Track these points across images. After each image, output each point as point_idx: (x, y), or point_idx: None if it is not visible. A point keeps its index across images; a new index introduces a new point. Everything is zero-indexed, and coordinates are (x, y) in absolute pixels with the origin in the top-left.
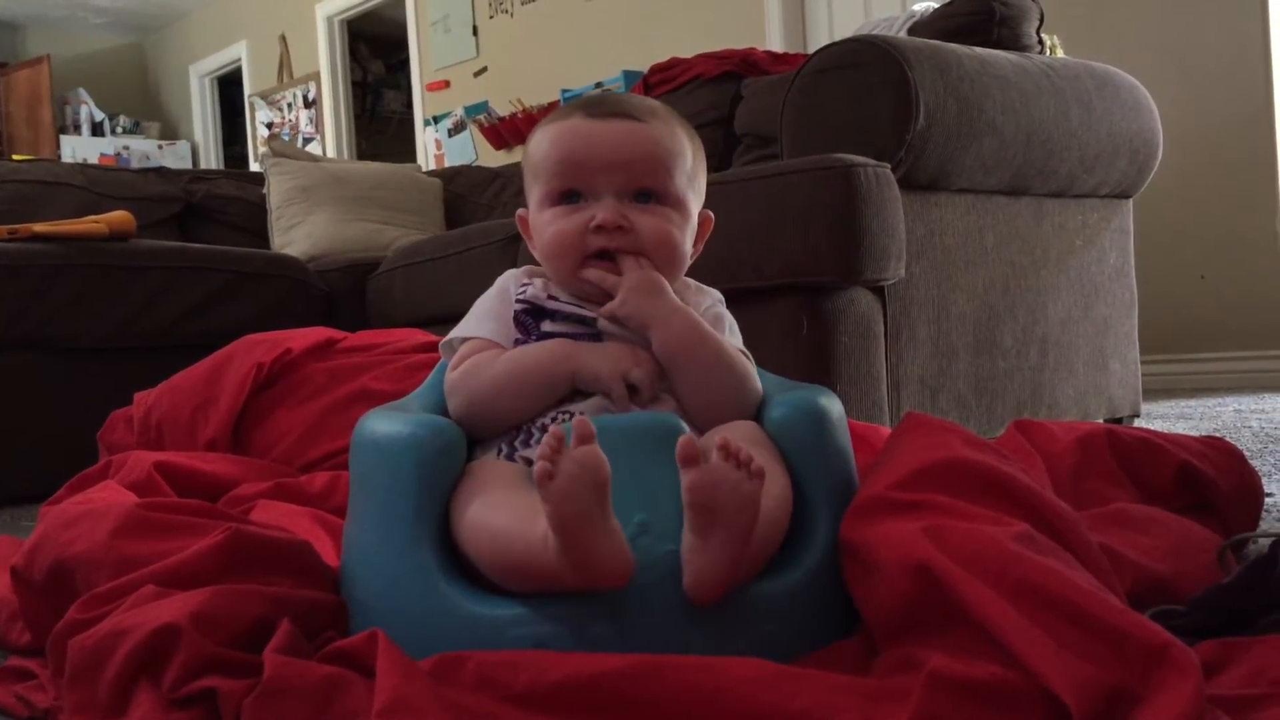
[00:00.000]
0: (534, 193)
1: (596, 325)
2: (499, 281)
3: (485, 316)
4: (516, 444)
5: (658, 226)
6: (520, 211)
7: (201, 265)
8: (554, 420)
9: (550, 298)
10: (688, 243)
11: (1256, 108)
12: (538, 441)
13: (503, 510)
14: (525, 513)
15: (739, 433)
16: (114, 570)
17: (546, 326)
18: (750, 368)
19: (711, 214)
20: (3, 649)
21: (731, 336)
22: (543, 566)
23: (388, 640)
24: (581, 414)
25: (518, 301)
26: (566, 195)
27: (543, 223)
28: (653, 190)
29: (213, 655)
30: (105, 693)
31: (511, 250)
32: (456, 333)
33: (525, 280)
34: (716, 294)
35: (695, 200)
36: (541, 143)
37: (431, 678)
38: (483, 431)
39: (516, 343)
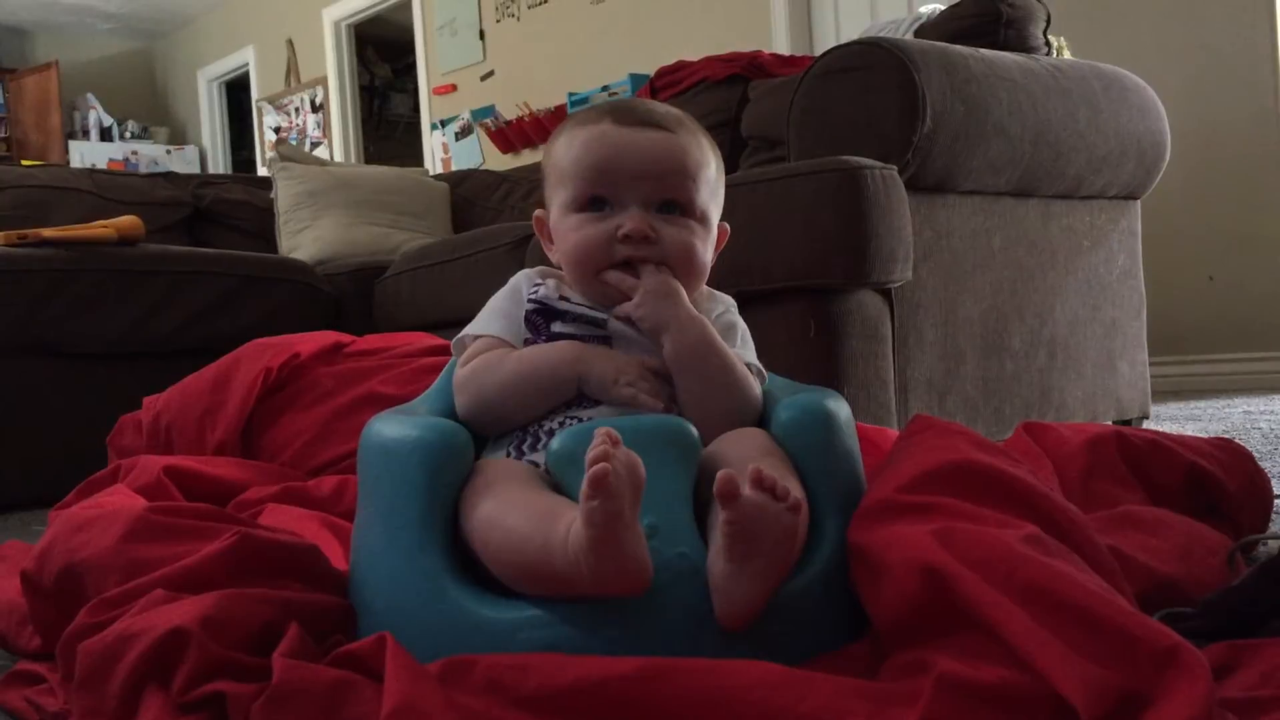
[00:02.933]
0: (558, 196)
1: (607, 327)
2: (512, 281)
3: (496, 315)
4: (524, 448)
5: (681, 238)
6: (538, 213)
7: (210, 269)
8: (560, 425)
9: (562, 298)
10: (708, 254)
11: (1265, 108)
12: (544, 446)
13: (518, 509)
14: (541, 513)
15: (751, 444)
16: (123, 574)
17: (557, 327)
18: (754, 384)
19: (728, 226)
20: (12, 653)
21: (743, 346)
22: (559, 568)
23: (396, 644)
24: (590, 419)
25: (529, 301)
26: (593, 202)
27: (567, 228)
28: (678, 202)
29: (222, 659)
30: (114, 697)
31: (519, 253)
32: (468, 330)
33: (538, 280)
34: (729, 300)
35: (716, 212)
36: (570, 147)
37: (440, 681)
38: (489, 430)
39: (527, 342)
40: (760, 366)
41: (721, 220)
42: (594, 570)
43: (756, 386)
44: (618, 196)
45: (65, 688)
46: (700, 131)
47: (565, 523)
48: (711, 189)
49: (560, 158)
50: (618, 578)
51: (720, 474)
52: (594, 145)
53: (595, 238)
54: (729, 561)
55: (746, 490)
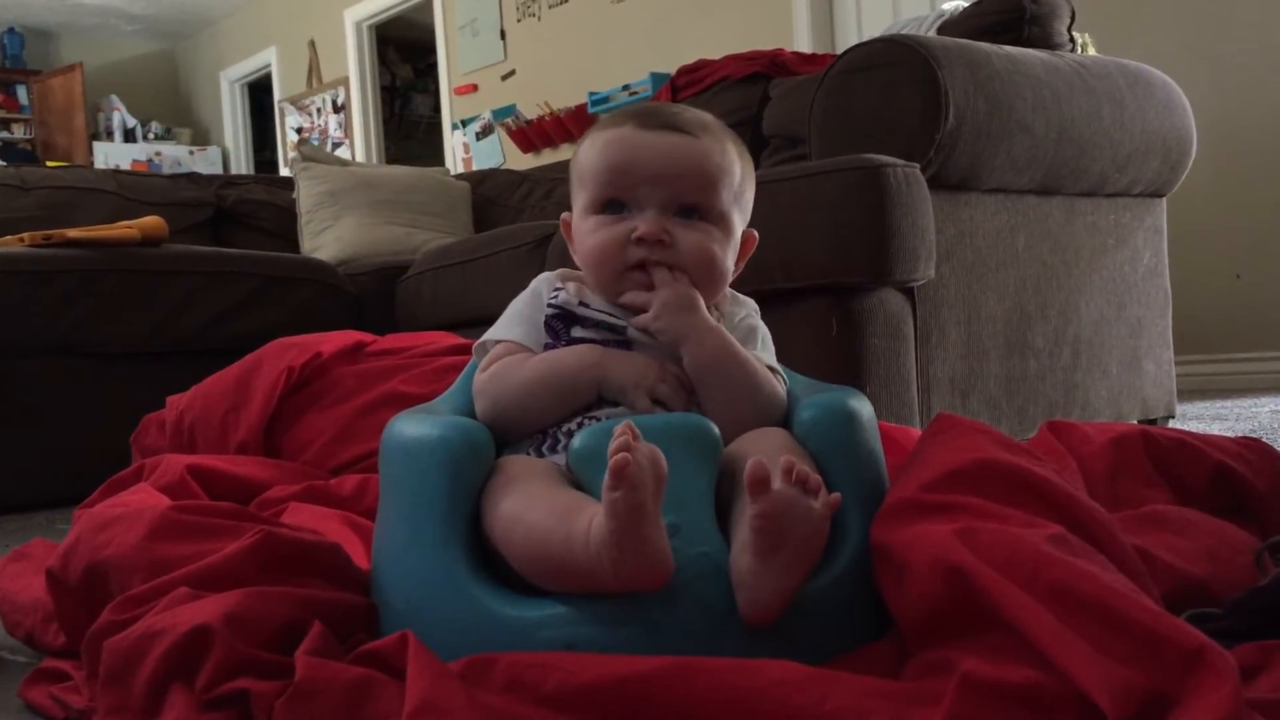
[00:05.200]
0: (579, 199)
1: (626, 334)
2: (533, 284)
3: (516, 320)
4: (544, 450)
5: (699, 243)
6: (564, 215)
7: (232, 270)
8: (580, 426)
9: (581, 304)
10: (729, 260)
11: None
12: (564, 447)
13: (539, 505)
14: (563, 508)
15: (773, 443)
16: (148, 572)
17: (576, 332)
18: (778, 387)
19: (755, 233)
20: (38, 650)
21: (764, 350)
22: (581, 563)
23: (418, 642)
24: (608, 418)
25: (549, 306)
26: (610, 205)
27: (585, 230)
28: (697, 206)
29: (245, 657)
30: (139, 694)
31: (539, 253)
32: (489, 336)
33: (558, 284)
34: (752, 304)
35: (740, 218)
36: (591, 150)
37: (461, 679)
38: (509, 434)
39: (546, 347)
40: (780, 369)
41: (749, 227)
42: (615, 563)
43: (780, 388)
44: (635, 199)
45: (90, 685)
46: (728, 137)
47: (587, 517)
48: (735, 194)
49: (582, 160)
50: (639, 571)
51: (751, 461)
52: (612, 148)
53: (610, 240)
54: (756, 555)
55: (777, 483)
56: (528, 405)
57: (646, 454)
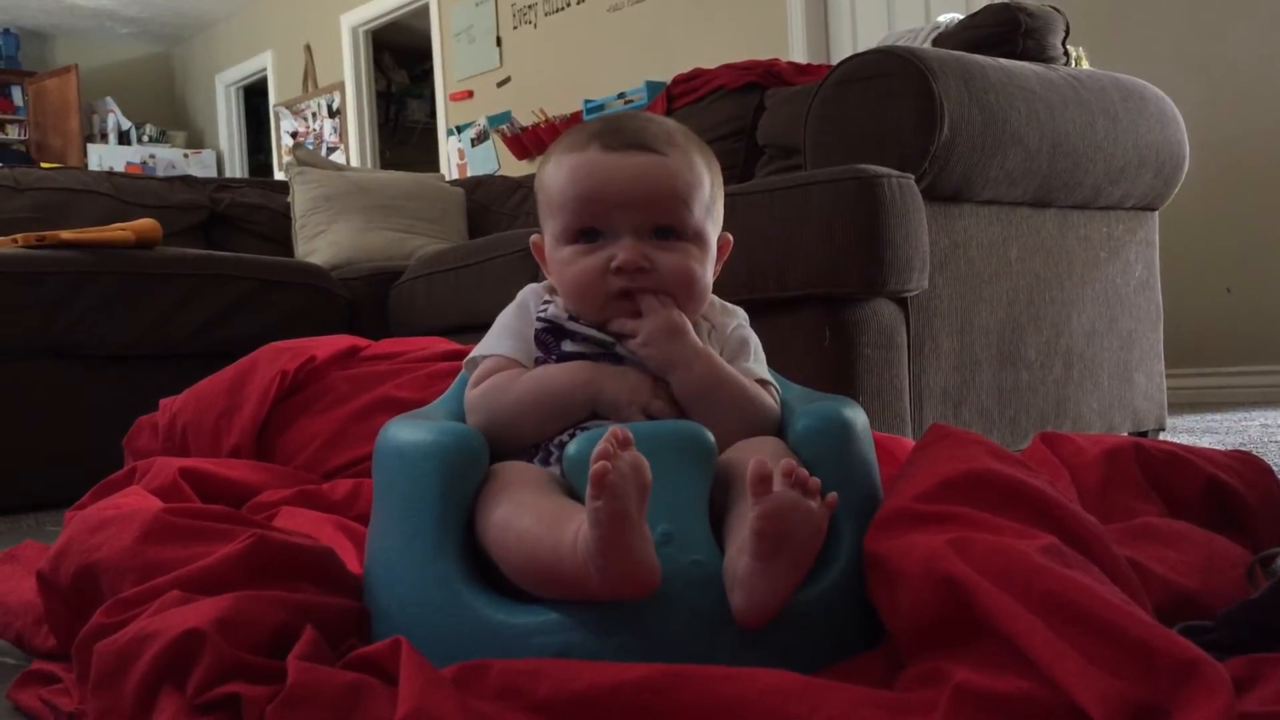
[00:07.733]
0: (550, 225)
1: (615, 349)
2: (520, 297)
3: (505, 334)
4: (535, 461)
5: (679, 263)
6: (534, 238)
7: (226, 273)
8: (571, 439)
9: (571, 317)
10: (709, 275)
11: None
12: (556, 460)
13: (530, 512)
14: (552, 516)
15: (765, 451)
16: (139, 575)
17: (567, 346)
18: (769, 402)
19: (730, 236)
20: (28, 653)
21: (755, 362)
22: (569, 571)
23: (410, 648)
24: None
25: (538, 320)
26: (584, 233)
27: (561, 259)
28: (671, 227)
29: (236, 661)
30: (129, 698)
31: (532, 260)
32: (478, 350)
33: (547, 297)
34: (742, 314)
35: (714, 228)
36: (557, 175)
37: (454, 685)
38: (501, 448)
39: (537, 361)
40: (773, 379)
41: (724, 231)
42: (601, 571)
43: (772, 402)
44: (609, 226)
45: (80, 688)
46: (693, 147)
47: (575, 525)
48: (706, 208)
49: (549, 185)
50: (625, 579)
51: (754, 461)
52: (581, 174)
53: (590, 271)
54: (755, 557)
55: (778, 485)
56: (520, 422)
57: (629, 462)
